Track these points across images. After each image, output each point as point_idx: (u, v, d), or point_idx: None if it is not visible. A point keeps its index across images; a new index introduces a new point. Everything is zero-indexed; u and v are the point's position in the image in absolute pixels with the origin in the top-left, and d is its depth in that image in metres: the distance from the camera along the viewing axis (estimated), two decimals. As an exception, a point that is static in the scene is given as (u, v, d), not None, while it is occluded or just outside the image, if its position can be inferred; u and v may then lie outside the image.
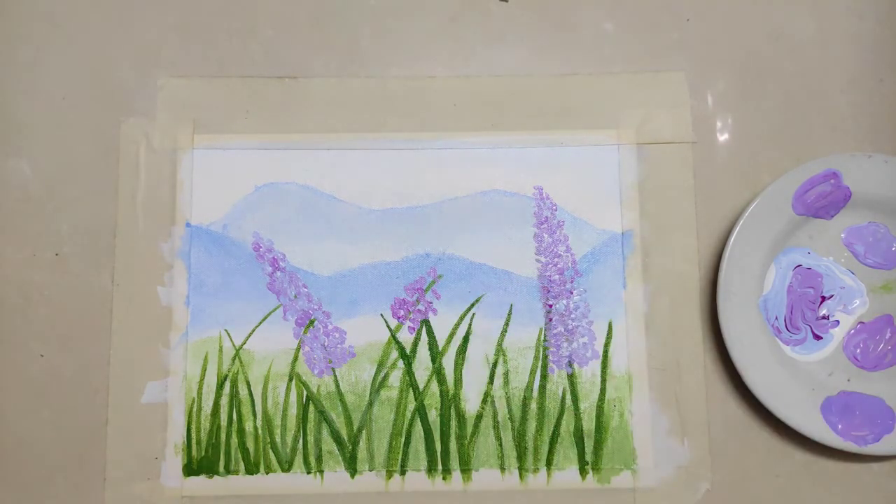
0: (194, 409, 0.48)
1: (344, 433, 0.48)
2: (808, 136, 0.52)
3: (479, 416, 0.48)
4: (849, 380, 0.48)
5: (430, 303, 0.50)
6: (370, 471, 0.48)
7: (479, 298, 0.50)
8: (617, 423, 0.48)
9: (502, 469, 0.48)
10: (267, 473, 0.48)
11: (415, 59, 0.52)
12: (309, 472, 0.48)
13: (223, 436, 0.48)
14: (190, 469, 0.48)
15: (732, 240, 0.47)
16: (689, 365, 0.49)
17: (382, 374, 0.49)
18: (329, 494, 0.48)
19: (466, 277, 0.50)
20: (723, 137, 0.52)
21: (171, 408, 0.48)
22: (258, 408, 0.48)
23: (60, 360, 0.49)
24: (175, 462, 0.48)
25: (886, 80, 0.52)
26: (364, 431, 0.48)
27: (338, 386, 0.49)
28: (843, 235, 0.50)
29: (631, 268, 0.50)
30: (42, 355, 0.49)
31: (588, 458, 0.48)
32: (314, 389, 0.49)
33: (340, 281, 0.50)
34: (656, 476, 0.48)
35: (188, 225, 0.50)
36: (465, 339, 0.49)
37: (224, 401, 0.48)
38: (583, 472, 0.48)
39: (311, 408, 0.48)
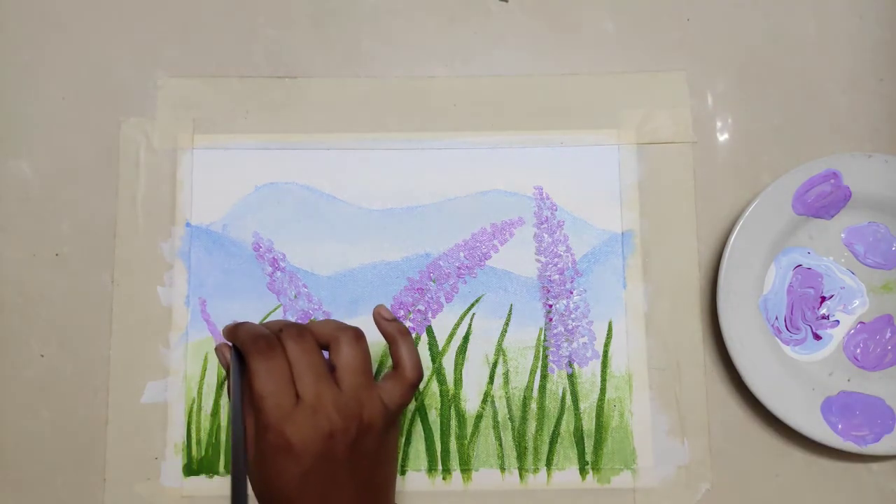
0: (194, 409, 0.48)
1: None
2: (808, 136, 0.52)
3: (479, 416, 0.48)
4: (849, 380, 0.48)
5: (431, 302, 0.50)
6: (370, 471, 0.48)
7: (479, 298, 0.50)
8: (617, 423, 0.48)
9: (502, 469, 0.48)
10: (267, 473, 0.48)
11: (415, 59, 0.52)
12: (309, 472, 0.48)
13: (223, 436, 0.48)
14: (190, 469, 0.48)
15: (732, 240, 0.47)
16: (689, 365, 0.49)
17: (383, 374, 0.49)
18: (329, 494, 0.48)
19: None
20: (723, 137, 0.52)
21: (171, 408, 0.48)
22: (258, 408, 0.48)
23: (60, 360, 0.49)
24: (175, 462, 0.48)
25: (886, 80, 0.52)
26: (364, 431, 0.48)
27: (338, 386, 0.49)
28: (843, 235, 0.50)
29: (631, 268, 0.50)
30: (42, 355, 0.49)
31: (588, 458, 0.48)
32: (314, 389, 0.49)
33: (340, 281, 0.50)
34: (656, 476, 0.48)
35: (188, 225, 0.50)
36: (465, 339, 0.49)
37: (224, 401, 0.48)
38: (583, 472, 0.48)
39: (311, 408, 0.48)
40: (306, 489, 0.37)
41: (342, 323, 0.40)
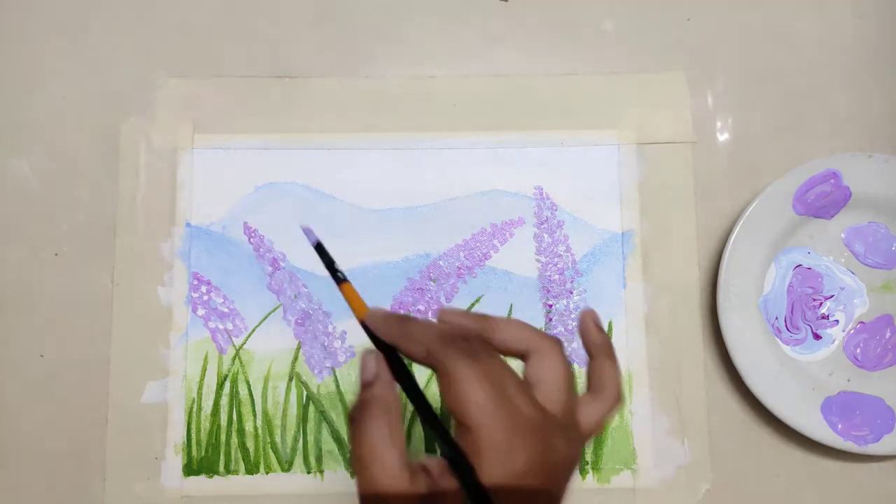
0: (194, 409, 0.48)
1: (344, 433, 0.48)
2: (808, 136, 0.52)
3: (479, 416, 0.48)
4: (849, 380, 0.48)
5: (430, 302, 0.50)
6: (370, 471, 0.48)
7: (479, 298, 0.50)
8: (617, 423, 0.48)
9: (502, 469, 0.48)
10: (267, 473, 0.48)
11: (415, 59, 0.52)
12: (309, 472, 0.48)
13: (223, 436, 0.48)
14: (190, 469, 0.48)
15: (732, 240, 0.47)
16: (689, 365, 0.49)
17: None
18: (329, 494, 0.48)
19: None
20: (723, 137, 0.52)
21: (171, 408, 0.48)
22: (258, 408, 0.48)
23: (60, 360, 0.49)
24: (175, 462, 0.48)
25: (886, 80, 0.52)
26: (364, 431, 0.48)
27: (338, 386, 0.49)
28: (843, 235, 0.50)
29: (631, 268, 0.50)
30: (42, 355, 0.49)
31: (588, 458, 0.48)
32: (314, 389, 0.49)
33: (340, 281, 0.50)
34: (656, 476, 0.48)
35: (188, 225, 0.50)
36: (465, 339, 0.49)
37: (224, 401, 0.48)
38: (583, 472, 0.48)
39: (311, 408, 0.48)
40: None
41: (536, 329, 0.33)
